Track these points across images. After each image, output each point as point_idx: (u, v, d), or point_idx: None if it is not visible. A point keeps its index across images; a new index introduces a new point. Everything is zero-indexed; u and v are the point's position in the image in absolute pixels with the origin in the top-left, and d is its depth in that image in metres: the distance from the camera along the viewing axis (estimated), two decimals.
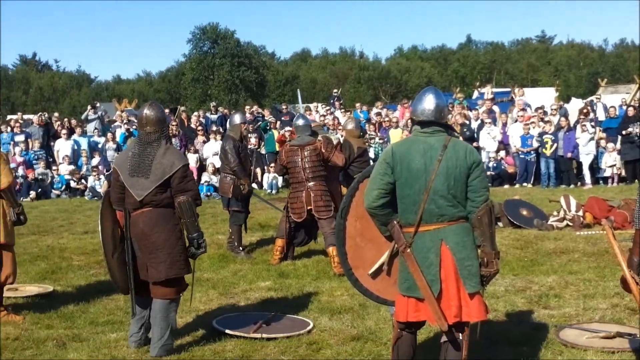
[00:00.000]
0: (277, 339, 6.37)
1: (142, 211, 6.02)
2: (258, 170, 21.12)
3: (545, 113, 20.76)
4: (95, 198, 18.39)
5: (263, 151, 21.42)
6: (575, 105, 24.26)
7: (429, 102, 4.90)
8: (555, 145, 18.77)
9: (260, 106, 33.27)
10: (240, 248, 10.47)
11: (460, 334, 4.81)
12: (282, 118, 23.25)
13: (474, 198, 4.77)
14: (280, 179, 20.12)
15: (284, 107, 26.30)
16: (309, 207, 9.56)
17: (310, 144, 9.80)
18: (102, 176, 19.36)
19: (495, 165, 19.52)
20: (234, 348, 6.18)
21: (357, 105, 26.97)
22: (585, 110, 20.11)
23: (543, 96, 28.24)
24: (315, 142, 9.86)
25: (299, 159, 9.70)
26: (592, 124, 19.73)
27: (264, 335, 6.41)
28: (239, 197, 10.36)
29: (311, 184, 9.62)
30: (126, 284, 6.16)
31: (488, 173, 18.86)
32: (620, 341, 5.97)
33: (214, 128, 21.70)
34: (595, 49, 75.50)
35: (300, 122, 10.20)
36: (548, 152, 18.77)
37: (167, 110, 22.35)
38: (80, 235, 12.75)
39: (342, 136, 13.52)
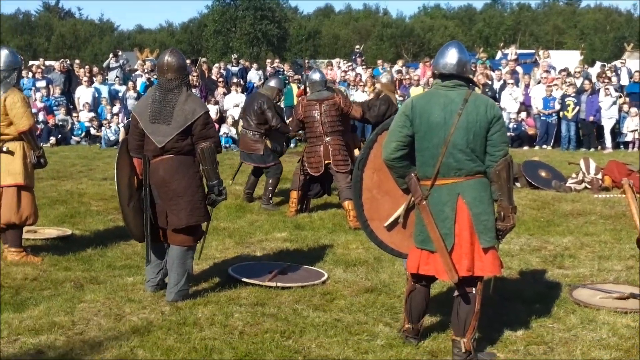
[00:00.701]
0: (291, 288, 6.42)
1: (162, 158, 6.03)
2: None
3: (569, 75, 20.51)
4: (110, 147, 18.43)
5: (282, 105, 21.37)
6: (606, 71, 23.96)
7: (451, 56, 4.86)
8: (578, 108, 18.61)
9: (281, 60, 33.12)
10: (271, 201, 10.54)
11: (473, 288, 4.83)
12: (303, 72, 23.11)
13: (493, 152, 4.76)
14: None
15: (305, 61, 26.15)
16: (327, 162, 9.52)
17: (329, 99, 9.72)
18: (120, 125, 19.41)
19: (515, 126, 19.37)
20: (249, 295, 6.24)
21: (379, 62, 26.77)
22: (603, 75, 19.85)
23: (568, 59, 27.94)
24: (334, 97, 9.78)
25: (318, 114, 9.62)
26: (615, 87, 19.51)
27: (279, 284, 6.47)
28: (277, 150, 10.71)
29: (329, 138, 9.54)
30: (142, 231, 6.19)
31: (508, 134, 18.72)
32: (633, 302, 5.98)
33: (235, 80, 21.64)
34: (622, 13, 74.30)
35: (317, 76, 10.04)
36: (570, 114, 18.63)
37: (188, 61, 22.39)
38: (99, 181, 12.86)
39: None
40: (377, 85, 9.40)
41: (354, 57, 27.48)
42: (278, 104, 17.70)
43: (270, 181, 10.61)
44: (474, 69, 21.16)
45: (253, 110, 10.59)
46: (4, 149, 7.24)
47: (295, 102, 20.74)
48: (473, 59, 23.88)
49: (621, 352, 5.01)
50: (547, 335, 5.36)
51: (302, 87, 20.70)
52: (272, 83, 11.21)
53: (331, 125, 9.60)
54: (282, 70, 23.85)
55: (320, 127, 9.59)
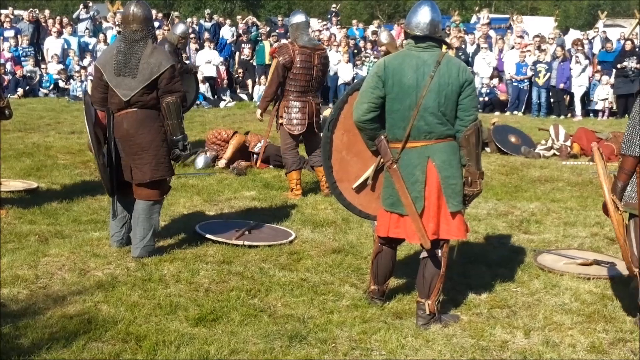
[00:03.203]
0: (258, 247, 6.42)
1: (127, 112, 5.94)
2: (249, 82, 20.98)
3: (543, 40, 20.51)
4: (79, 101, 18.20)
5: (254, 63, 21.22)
6: (573, 37, 23.99)
7: (424, 15, 4.80)
8: (549, 74, 18.66)
9: (256, 17, 32.77)
10: None
11: (439, 251, 4.85)
12: (277, 30, 22.92)
13: (463, 117, 4.74)
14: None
15: (279, 19, 25.91)
16: (309, 121, 8.42)
17: (321, 49, 8.58)
18: (89, 78, 19.13)
19: (488, 91, 19.39)
20: (216, 253, 6.22)
21: (354, 22, 26.57)
22: (578, 42, 19.90)
23: (541, 25, 27.90)
24: (324, 48, 8.81)
25: (312, 65, 8.35)
26: (586, 55, 19.57)
27: (246, 243, 6.45)
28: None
29: (314, 95, 8.51)
30: (110, 185, 6.13)
31: (480, 99, 18.78)
32: (596, 268, 6.05)
33: (207, 36, 21.39)
34: None
35: (301, 17, 8.52)
36: (541, 81, 18.68)
37: (160, 15, 22.09)
38: (67, 134, 12.70)
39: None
40: (382, 48, 8.58)
41: (329, 16, 27.24)
42: (248, 58, 17.49)
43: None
44: (448, 32, 21.09)
45: None
46: None
47: (266, 61, 20.67)
48: (447, 21, 23.80)
49: (583, 317, 5.07)
50: (510, 299, 5.41)
51: (275, 46, 20.63)
52: (177, 30, 10.56)
53: (320, 82, 8.62)
54: (256, 26, 23.63)
55: (311, 81, 8.39)
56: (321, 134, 8.20)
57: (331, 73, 18.37)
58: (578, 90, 18.80)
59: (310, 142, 8.62)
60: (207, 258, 6.10)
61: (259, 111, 8.90)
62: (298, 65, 8.27)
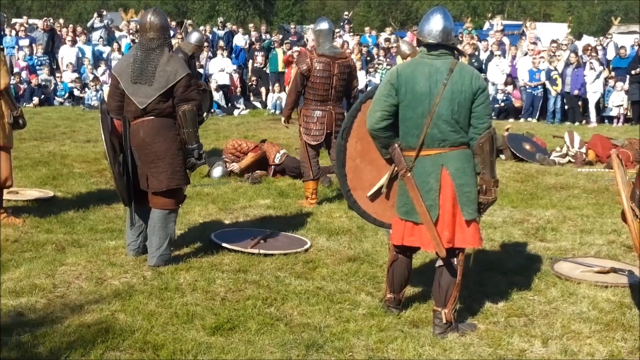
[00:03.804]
0: (274, 255, 6.42)
1: (143, 120, 5.96)
2: (263, 90, 21.02)
3: (559, 46, 20.43)
4: (94, 109, 18.28)
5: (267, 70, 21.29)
6: (589, 44, 23.92)
7: (436, 23, 4.80)
8: (562, 81, 18.59)
9: (268, 24, 32.85)
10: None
11: (454, 259, 4.84)
12: (290, 38, 22.97)
13: (477, 124, 4.73)
14: (284, 99, 19.97)
15: (292, 26, 25.99)
16: (328, 131, 8.28)
17: (343, 58, 8.37)
18: (105, 86, 19.23)
19: (505, 97, 19.33)
20: (231, 262, 6.23)
21: (366, 29, 26.60)
22: (589, 48, 19.83)
23: (555, 32, 27.83)
24: (348, 56, 8.56)
25: (329, 74, 8.21)
26: (600, 62, 19.49)
27: (262, 251, 6.46)
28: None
29: (334, 104, 8.30)
30: (127, 194, 6.15)
31: (496, 106, 18.77)
32: (614, 276, 6.02)
33: (221, 44, 21.46)
34: None
35: (325, 25, 8.44)
36: (559, 88, 18.60)
37: (173, 24, 22.17)
38: (82, 143, 12.75)
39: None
40: (399, 60, 8.32)
41: (342, 23, 27.27)
42: (261, 66, 17.46)
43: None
44: (460, 39, 21.07)
45: None
46: None
47: (280, 69, 20.71)
48: (460, 28, 23.78)
49: (601, 326, 5.05)
50: (527, 307, 5.39)
51: (290, 54, 20.67)
52: (191, 38, 10.48)
53: (340, 91, 8.33)
54: (269, 34, 23.72)
55: (330, 90, 8.24)
56: None
57: None
58: (592, 97, 18.73)
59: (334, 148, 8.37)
60: (223, 267, 6.10)
61: (283, 119, 8.88)
62: (316, 74, 8.17)
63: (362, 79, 19.80)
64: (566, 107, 18.89)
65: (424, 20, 4.91)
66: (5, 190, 7.55)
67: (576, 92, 18.55)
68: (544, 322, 5.11)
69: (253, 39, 22.69)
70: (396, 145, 4.88)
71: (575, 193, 9.73)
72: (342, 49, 8.25)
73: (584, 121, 18.77)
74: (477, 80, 4.77)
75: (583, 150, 12.15)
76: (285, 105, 8.72)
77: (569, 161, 12.02)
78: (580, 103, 18.99)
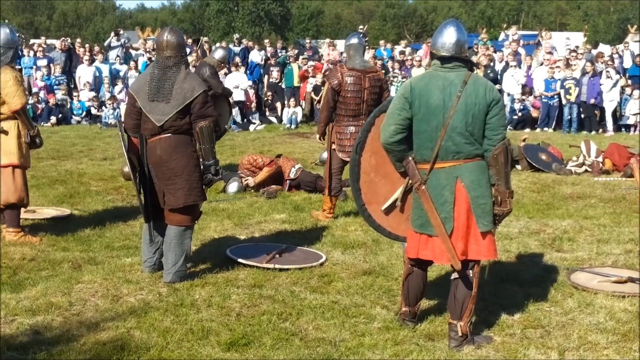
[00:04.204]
0: (289, 270, 6.42)
1: (160, 137, 6.00)
2: (278, 105, 21.09)
3: (577, 55, 20.33)
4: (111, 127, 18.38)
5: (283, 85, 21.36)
6: (602, 52, 23.83)
7: (449, 36, 4.81)
8: (578, 90, 18.52)
9: (284, 40, 32.99)
10: None
11: (470, 272, 4.82)
12: (306, 53, 23.05)
13: (491, 136, 4.73)
14: (299, 114, 20.04)
15: (307, 41, 26.09)
16: None
17: (373, 71, 8.34)
18: (122, 104, 19.36)
19: (522, 107, 19.26)
20: (247, 277, 6.24)
21: (381, 43, 26.65)
22: (602, 56, 19.73)
23: (571, 41, 27.76)
24: (378, 70, 8.54)
25: (360, 88, 8.16)
26: (617, 70, 19.40)
27: (277, 266, 6.46)
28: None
29: (366, 119, 7.71)
30: (146, 211, 6.19)
31: (514, 117, 18.73)
32: (631, 286, 5.97)
33: (237, 60, 21.56)
34: None
35: (354, 39, 8.49)
36: (572, 97, 18.53)
37: (189, 41, 22.32)
38: (99, 161, 12.83)
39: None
40: (414, 73, 8.31)
41: None
42: (276, 81, 17.42)
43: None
44: (476, 50, 21.06)
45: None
46: None
47: (295, 83, 20.78)
48: (476, 39, 23.78)
49: (618, 336, 5.01)
50: (544, 318, 5.36)
51: (305, 69, 20.73)
52: (216, 54, 10.94)
53: (371, 105, 8.07)
54: (284, 50, 23.82)
55: (361, 105, 8.18)
56: None
57: None
58: (609, 106, 18.63)
59: None
60: (239, 282, 6.11)
61: (317, 135, 8.78)
62: (347, 88, 8.13)
63: None
64: (582, 116, 18.80)
65: (437, 33, 4.91)
66: (22, 209, 7.61)
67: (592, 100, 18.47)
68: (561, 334, 5.07)
69: (269, 54, 22.79)
70: (410, 158, 4.88)
71: (592, 202, 9.67)
72: (373, 64, 8.06)
73: (600, 130, 18.67)
74: (491, 92, 4.77)
75: (600, 159, 12.09)
76: (319, 122, 8.67)
77: (586, 170, 11.96)
78: (596, 112, 18.89)
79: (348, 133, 8.21)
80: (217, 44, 24.50)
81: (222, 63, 10.49)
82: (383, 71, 19.69)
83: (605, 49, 25.23)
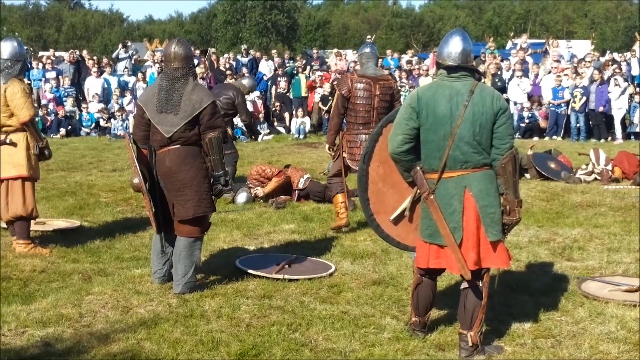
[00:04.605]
0: (298, 280, 6.42)
1: (169, 149, 6.02)
2: (286, 115, 21.13)
3: (584, 62, 20.30)
4: (120, 139, 18.44)
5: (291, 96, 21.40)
6: (610, 59, 23.78)
7: (455, 45, 4.82)
8: (584, 99, 18.48)
9: (291, 50, 33.08)
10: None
11: (479, 281, 4.81)
12: (312, 63, 23.09)
13: (499, 145, 4.73)
14: (307, 124, 20.06)
15: (314, 51, 26.14)
16: None
17: (385, 79, 8.25)
18: (130, 116, 19.42)
19: (530, 115, 19.24)
20: (256, 288, 6.24)
21: (388, 52, 26.67)
22: (609, 64, 19.70)
23: (578, 49, 27.74)
24: (390, 79, 8.43)
25: (370, 95, 8.07)
26: (625, 78, 19.35)
27: (286, 277, 6.46)
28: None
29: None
30: (157, 222, 6.20)
31: (521, 125, 18.71)
32: None
33: (244, 71, 21.62)
34: (634, 2, 73.64)
35: (368, 49, 8.49)
36: (577, 105, 18.51)
37: (197, 52, 22.40)
38: (109, 172, 12.88)
39: None
40: (422, 82, 8.38)
41: None
42: (284, 91, 17.44)
43: (228, 169, 10.40)
44: (483, 59, 21.05)
45: (222, 99, 10.34)
46: (7, 140, 7.25)
47: (303, 93, 20.81)
48: (483, 48, 23.77)
49: (629, 346, 4.98)
50: (554, 328, 5.34)
51: (313, 79, 20.76)
52: (246, 82, 11.31)
53: (382, 113, 7.91)
54: (292, 60, 23.87)
55: (371, 112, 8.08)
56: None
57: None
58: (617, 113, 18.59)
59: None
60: (248, 293, 6.11)
61: (327, 145, 8.64)
62: (357, 95, 8.05)
63: None
64: (591, 124, 18.76)
65: (442, 42, 4.93)
66: (32, 221, 7.64)
67: (601, 108, 18.43)
68: (572, 343, 5.06)
69: (276, 65, 22.85)
70: (418, 168, 4.88)
71: (602, 211, 9.64)
72: (385, 72, 8.02)
73: (609, 138, 18.62)
74: (498, 101, 4.77)
75: (609, 167, 12.06)
76: (329, 130, 8.60)
77: (595, 179, 11.92)
78: (604, 120, 18.84)
79: (358, 141, 8.11)
80: (226, 55, 24.55)
81: (250, 92, 10.70)
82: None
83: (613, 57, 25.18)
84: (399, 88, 9.06)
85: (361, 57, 8.49)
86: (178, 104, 5.96)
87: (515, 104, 19.26)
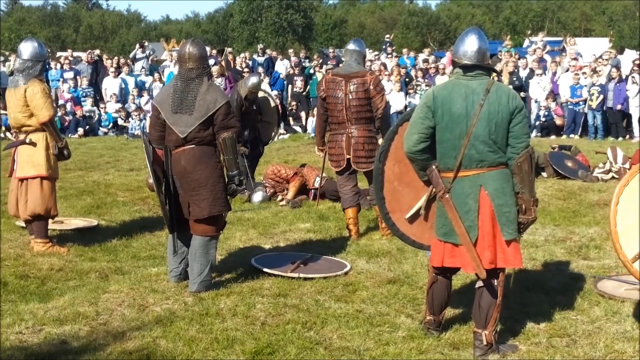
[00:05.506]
0: (314, 279, 6.43)
1: (184, 149, 6.06)
2: (303, 114, 21.14)
3: (601, 60, 20.17)
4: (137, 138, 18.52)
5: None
6: (628, 57, 23.58)
7: (471, 44, 4.81)
8: (602, 97, 18.35)
9: (307, 50, 33.11)
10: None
11: (494, 280, 4.81)
12: (329, 62, 23.09)
13: (515, 144, 4.72)
14: None
15: (331, 50, 26.14)
16: (348, 156, 7.83)
17: (358, 76, 7.79)
18: (147, 115, 19.50)
19: (547, 113, 19.14)
20: (272, 286, 6.26)
21: (404, 51, 26.62)
22: (638, 62, 19.54)
23: (596, 46, 27.57)
24: (366, 74, 7.83)
25: (342, 94, 7.75)
26: None
27: (302, 275, 6.48)
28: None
29: (353, 127, 7.76)
30: (170, 221, 6.24)
31: (537, 123, 18.61)
32: None
33: (260, 70, 21.65)
34: None
35: (352, 46, 8.07)
36: (594, 104, 18.39)
37: (214, 52, 22.45)
38: (126, 172, 12.95)
39: None
40: (438, 81, 8.17)
41: (384, 46, 27.27)
42: (301, 90, 17.35)
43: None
44: (500, 57, 20.95)
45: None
46: (27, 140, 7.33)
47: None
48: (500, 46, 23.67)
49: None
50: (570, 327, 5.32)
51: None
52: (247, 81, 10.60)
53: (357, 111, 7.75)
54: (308, 60, 23.88)
55: (343, 111, 7.78)
56: (362, 169, 7.91)
57: None
58: (635, 111, 18.45)
59: (369, 176, 7.64)
60: (263, 291, 6.14)
61: (316, 147, 8.66)
62: (330, 95, 7.83)
63: (401, 100, 19.86)
64: (609, 122, 18.63)
65: (458, 41, 4.92)
66: (50, 220, 7.70)
67: (619, 106, 18.30)
68: (587, 342, 5.04)
69: (292, 64, 22.87)
70: (434, 167, 4.89)
71: None
72: (365, 69, 7.93)
73: (627, 136, 18.49)
74: (514, 99, 4.76)
75: (627, 165, 11.96)
76: (316, 133, 8.66)
77: (613, 177, 11.84)
78: (622, 118, 18.69)
79: (333, 142, 7.95)
80: (242, 55, 24.60)
81: (252, 92, 10.48)
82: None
83: (631, 54, 25.00)
84: (414, 87, 8.94)
85: (345, 53, 8.24)
86: (193, 104, 5.99)
87: (536, 101, 19.16)
